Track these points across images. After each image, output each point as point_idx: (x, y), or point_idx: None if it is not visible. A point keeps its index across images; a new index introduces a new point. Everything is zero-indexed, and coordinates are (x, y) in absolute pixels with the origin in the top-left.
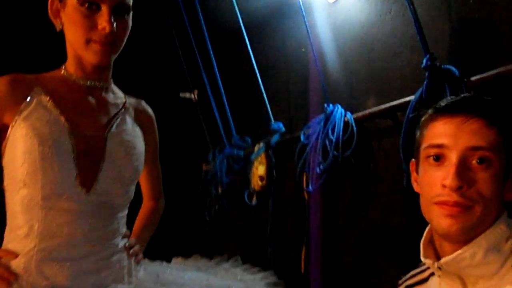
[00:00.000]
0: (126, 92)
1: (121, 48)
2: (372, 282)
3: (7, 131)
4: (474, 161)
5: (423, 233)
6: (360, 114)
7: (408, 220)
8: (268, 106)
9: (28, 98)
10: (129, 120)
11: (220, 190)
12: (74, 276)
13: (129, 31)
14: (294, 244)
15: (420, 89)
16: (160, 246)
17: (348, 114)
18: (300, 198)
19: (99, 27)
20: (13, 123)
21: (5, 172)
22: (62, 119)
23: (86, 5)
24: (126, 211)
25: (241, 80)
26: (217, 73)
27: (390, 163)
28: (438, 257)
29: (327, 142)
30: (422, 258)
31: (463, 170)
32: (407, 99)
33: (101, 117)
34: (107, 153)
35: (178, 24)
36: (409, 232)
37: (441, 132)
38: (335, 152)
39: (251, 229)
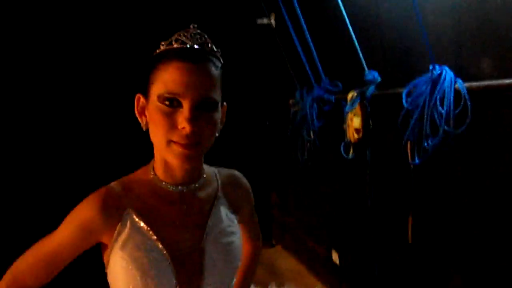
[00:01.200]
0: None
1: (210, 146)
2: (488, 251)
3: (106, 250)
4: None
5: None
6: (474, 85)
7: None
8: (360, 53)
9: (122, 222)
10: (223, 210)
11: (312, 135)
12: None
13: (218, 126)
14: (396, 206)
15: None
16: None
17: (459, 81)
18: (402, 161)
19: (179, 126)
20: (111, 249)
21: None
22: (159, 244)
23: (167, 102)
24: None
25: (327, 22)
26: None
27: (510, 136)
28: None
29: (435, 114)
30: None
31: None
32: None
33: (196, 224)
34: (207, 262)
35: None
36: None
37: None
38: (445, 127)
39: (347, 180)
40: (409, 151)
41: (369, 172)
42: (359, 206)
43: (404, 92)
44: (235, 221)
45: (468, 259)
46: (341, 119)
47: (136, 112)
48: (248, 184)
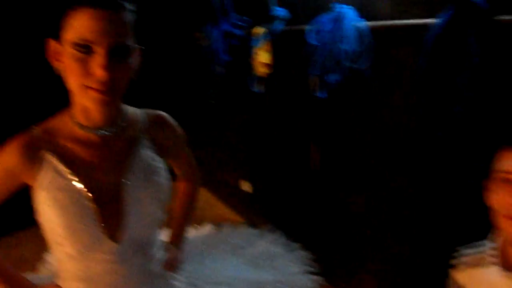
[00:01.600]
0: None
1: (125, 89)
2: (382, 180)
3: (33, 190)
4: None
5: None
6: (375, 24)
7: (418, 133)
8: None
9: (41, 164)
10: (145, 152)
11: (220, 69)
12: None
13: (134, 71)
14: (300, 135)
15: (443, 16)
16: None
17: (361, 20)
18: (306, 94)
19: (94, 73)
20: (34, 189)
21: (40, 227)
22: (79, 185)
23: (81, 49)
24: (159, 234)
25: None
26: None
27: (405, 75)
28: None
29: (338, 51)
30: (492, 263)
31: None
32: (429, 20)
33: (117, 164)
34: (129, 201)
35: None
36: (419, 138)
37: None
38: (347, 63)
39: (255, 114)
40: (314, 85)
41: (276, 104)
42: (267, 137)
43: (310, 29)
44: (160, 161)
45: (366, 181)
46: (249, 54)
47: (48, 57)
48: (174, 125)
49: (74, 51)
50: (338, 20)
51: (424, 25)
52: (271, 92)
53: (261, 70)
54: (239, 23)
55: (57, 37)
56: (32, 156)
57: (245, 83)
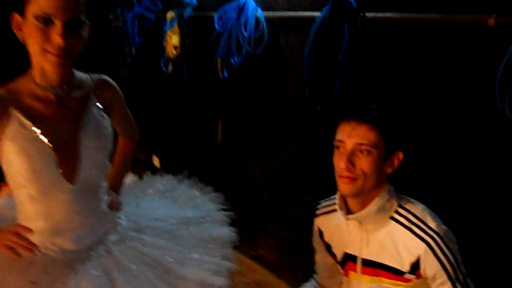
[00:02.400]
0: None
1: (76, 55)
2: (278, 147)
3: None
4: (359, 152)
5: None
6: (272, 14)
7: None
8: None
9: (8, 119)
10: (94, 110)
11: (133, 50)
12: (76, 240)
13: (84, 42)
14: (208, 112)
15: (325, 10)
16: None
17: (259, 10)
18: (213, 75)
19: (53, 41)
20: (3, 140)
21: (5, 173)
22: (41, 135)
23: (42, 20)
24: (105, 179)
25: None
26: None
27: (295, 59)
28: (347, 206)
29: (240, 36)
30: (337, 208)
31: (351, 156)
32: (315, 13)
33: (72, 118)
34: (82, 149)
35: None
36: (306, 113)
37: (342, 131)
38: (248, 47)
39: (166, 93)
40: (219, 66)
41: (186, 84)
42: (177, 114)
43: (216, 16)
44: (106, 117)
45: (262, 154)
46: (161, 36)
47: (13, 28)
48: (116, 86)
49: (37, 23)
50: (241, 10)
51: (311, 17)
52: (181, 72)
53: (172, 52)
54: (151, 6)
55: (21, 11)
56: (1, 113)
57: (157, 64)
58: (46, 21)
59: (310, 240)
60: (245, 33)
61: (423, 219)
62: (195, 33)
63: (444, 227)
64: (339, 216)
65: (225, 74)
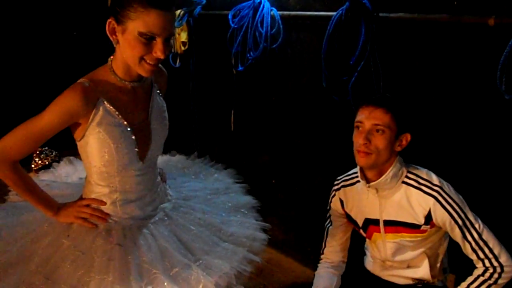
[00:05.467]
0: None
1: None
2: (286, 135)
3: (79, 127)
4: (375, 131)
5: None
6: (286, 13)
7: (322, 95)
8: None
9: (96, 107)
10: (156, 97)
11: None
12: (142, 208)
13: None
14: (221, 103)
15: (340, 10)
16: None
17: (274, 10)
18: (226, 68)
19: (154, 54)
20: (88, 125)
21: (83, 157)
22: (123, 120)
23: (146, 37)
24: None
25: None
26: None
27: (306, 54)
28: (366, 177)
29: (256, 33)
30: (360, 179)
31: (368, 135)
32: (325, 13)
33: (144, 106)
34: (152, 133)
35: None
36: (312, 104)
37: (361, 114)
38: (264, 44)
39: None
40: (234, 60)
41: (193, 78)
42: (185, 106)
43: (230, 14)
44: (164, 103)
45: (273, 143)
46: None
47: (107, 31)
48: (166, 72)
49: (141, 38)
50: (256, 9)
51: (321, 17)
52: (188, 67)
53: (181, 48)
54: None
55: (118, 20)
56: (90, 101)
57: (166, 58)
58: (149, 38)
59: (315, 220)
60: (261, 30)
61: (428, 179)
62: (205, 30)
63: (445, 183)
64: (358, 187)
65: (240, 67)
